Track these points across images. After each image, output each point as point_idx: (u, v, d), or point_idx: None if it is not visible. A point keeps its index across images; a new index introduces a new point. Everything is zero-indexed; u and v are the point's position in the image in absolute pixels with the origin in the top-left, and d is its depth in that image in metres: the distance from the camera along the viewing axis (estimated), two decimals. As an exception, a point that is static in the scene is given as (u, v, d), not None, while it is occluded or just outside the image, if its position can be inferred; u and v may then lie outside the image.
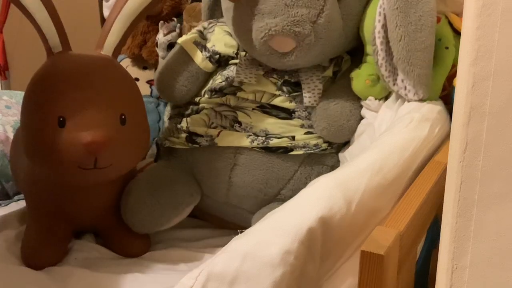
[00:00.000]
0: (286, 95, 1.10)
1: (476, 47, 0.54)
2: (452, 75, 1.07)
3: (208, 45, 1.17)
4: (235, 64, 1.13)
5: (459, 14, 1.11)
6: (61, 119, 0.94)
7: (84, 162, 0.94)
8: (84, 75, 0.98)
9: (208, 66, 1.17)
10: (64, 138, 0.94)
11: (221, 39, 1.17)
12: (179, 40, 1.21)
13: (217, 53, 1.16)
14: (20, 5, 0.96)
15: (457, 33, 1.08)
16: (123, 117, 0.98)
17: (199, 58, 1.17)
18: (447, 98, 1.09)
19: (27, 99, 1.00)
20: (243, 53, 1.14)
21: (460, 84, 0.57)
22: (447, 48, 1.05)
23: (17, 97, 1.52)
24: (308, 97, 1.09)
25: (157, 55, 1.43)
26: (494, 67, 0.54)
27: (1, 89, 1.86)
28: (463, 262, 0.59)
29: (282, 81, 1.10)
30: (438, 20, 1.09)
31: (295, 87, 1.11)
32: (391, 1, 0.99)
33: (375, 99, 1.08)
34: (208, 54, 1.16)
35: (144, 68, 1.54)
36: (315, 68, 1.11)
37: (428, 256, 0.87)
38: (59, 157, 0.95)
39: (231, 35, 1.16)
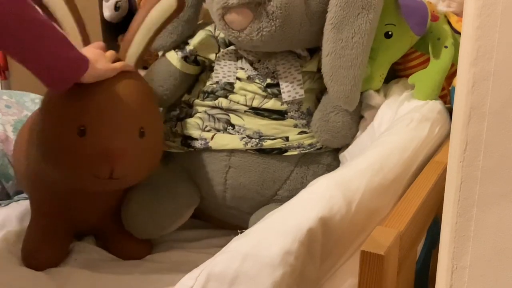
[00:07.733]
0: (275, 98, 1.09)
1: (476, 47, 0.54)
2: (452, 74, 1.07)
3: (187, 47, 1.17)
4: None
5: (459, 14, 1.11)
6: (81, 128, 0.94)
7: (100, 172, 0.94)
8: (106, 86, 0.98)
9: (183, 66, 1.17)
10: (83, 148, 0.93)
11: (200, 38, 1.16)
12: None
13: (193, 52, 1.15)
14: (45, 9, 0.96)
15: (456, 32, 1.08)
16: (142, 130, 0.98)
17: (175, 58, 1.17)
18: (446, 97, 1.09)
19: (47, 106, 0.99)
20: (221, 52, 1.14)
21: (460, 84, 0.57)
22: (446, 47, 1.05)
23: (17, 96, 1.51)
24: (287, 92, 1.08)
25: (157, 56, 1.43)
26: (494, 67, 0.54)
27: (1, 89, 1.85)
28: (463, 262, 0.59)
29: (265, 84, 1.09)
30: (437, 18, 1.09)
31: (280, 88, 1.10)
32: (328, 15, 1.01)
33: (374, 91, 1.08)
34: (183, 55, 1.16)
35: (144, 68, 1.53)
36: (292, 59, 1.10)
37: (428, 256, 0.87)
38: (76, 166, 0.95)
39: (212, 36, 1.16)
